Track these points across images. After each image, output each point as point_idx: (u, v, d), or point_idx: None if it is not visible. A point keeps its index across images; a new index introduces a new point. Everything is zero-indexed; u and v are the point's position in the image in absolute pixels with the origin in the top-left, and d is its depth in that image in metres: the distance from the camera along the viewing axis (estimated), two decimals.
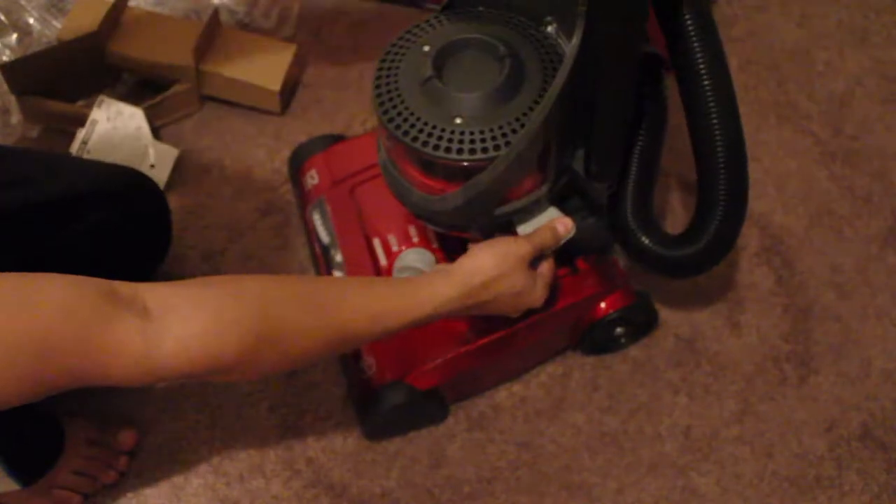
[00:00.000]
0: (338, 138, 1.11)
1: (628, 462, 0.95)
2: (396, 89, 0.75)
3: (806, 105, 1.24)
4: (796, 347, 1.03)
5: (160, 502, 0.93)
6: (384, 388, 0.89)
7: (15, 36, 1.25)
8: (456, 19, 0.80)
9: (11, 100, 1.18)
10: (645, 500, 0.93)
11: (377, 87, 0.76)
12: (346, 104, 1.25)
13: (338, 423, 0.97)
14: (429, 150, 0.72)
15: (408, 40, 0.78)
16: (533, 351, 0.98)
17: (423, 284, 0.76)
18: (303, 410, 0.98)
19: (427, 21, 0.80)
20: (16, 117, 1.19)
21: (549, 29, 0.79)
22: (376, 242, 0.96)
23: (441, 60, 0.75)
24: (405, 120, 0.74)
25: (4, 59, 1.22)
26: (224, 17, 1.31)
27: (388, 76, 0.76)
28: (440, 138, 0.72)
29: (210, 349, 0.60)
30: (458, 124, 0.73)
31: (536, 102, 0.74)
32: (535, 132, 0.71)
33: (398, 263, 0.92)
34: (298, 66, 1.26)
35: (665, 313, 1.05)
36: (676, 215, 1.13)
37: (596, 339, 0.98)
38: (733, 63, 1.35)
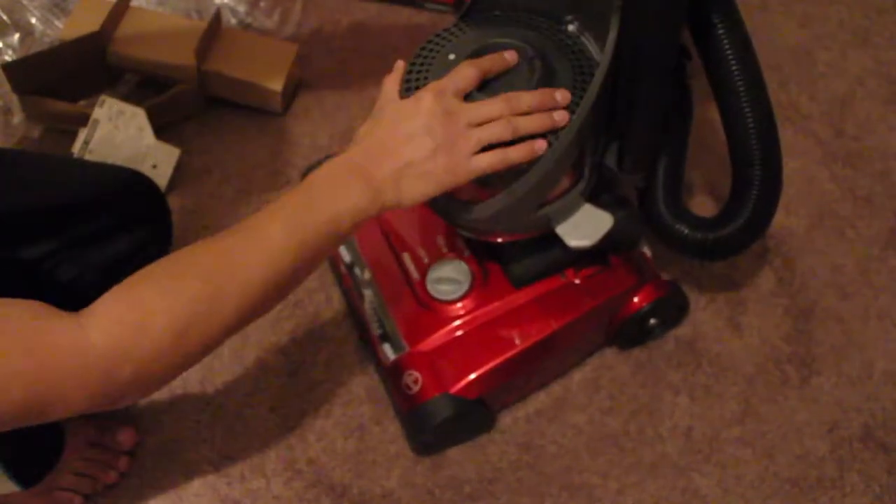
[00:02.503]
0: None
1: (629, 463, 0.95)
2: None
3: (807, 106, 1.24)
4: (797, 348, 1.03)
5: (161, 502, 0.93)
6: (431, 402, 0.88)
7: (17, 35, 1.25)
8: (476, 25, 0.78)
9: (13, 99, 1.18)
10: (646, 501, 0.93)
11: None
12: (348, 104, 1.25)
13: (339, 423, 0.97)
14: None
15: (431, 50, 0.76)
16: (572, 352, 0.99)
17: (316, 186, 0.69)
18: (304, 411, 0.98)
19: (448, 30, 0.78)
20: (18, 117, 1.19)
21: (571, 28, 0.79)
22: (406, 257, 0.95)
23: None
24: None
25: (7, 58, 1.22)
26: (226, 16, 1.31)
27: (418, 87, 0.73)
28: None
29: (135, 331, 0.60)
30: None
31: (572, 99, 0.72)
32: (579, 128, 0.70)
33: (432, 275, 0.92)
34: (300, 66, 1.26)
35: None
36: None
37: (631, 333, 0.98)
38: None
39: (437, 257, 0.93)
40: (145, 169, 1.12)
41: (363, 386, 1.00)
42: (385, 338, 0.93)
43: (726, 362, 1.02)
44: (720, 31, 0.76)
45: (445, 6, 1.38)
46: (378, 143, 0.69)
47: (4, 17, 1.26)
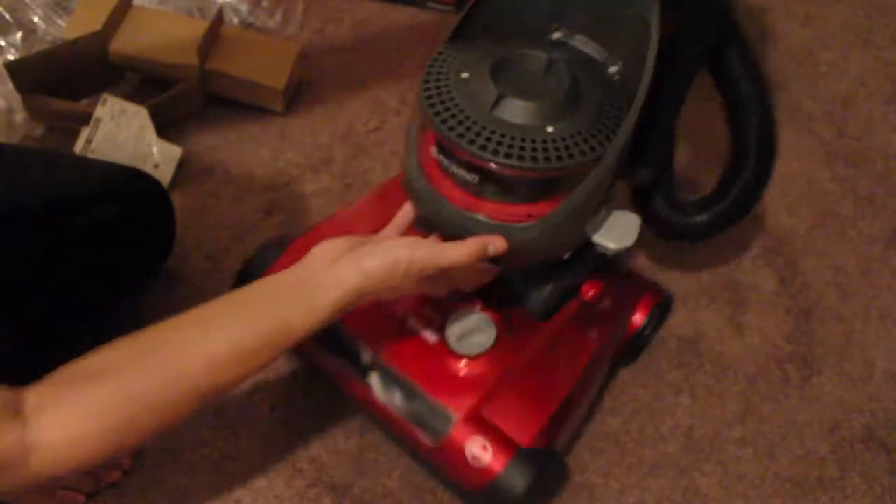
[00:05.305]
0: (282, 240, 0.91)
1: (630, 462, 0.95)
2: (468, 119, 0.69)
3: (809, 106, 1.24)
4: (799, 348, 1.03)
5: (163, 501, 0.93)
6: (513, 464, 0.76)
7: (20, 34, 1.25)
8: (471, 46, 0.75)
9: (16, 98, 1.18)
10: (647, 501, 0.93)
11: (448, 128, 0.69)
12: (349, 103, 1.25)
13: (340, 422, 0.97)
14: (528, 162, 0.67)
15: (440, 72, 0.73)
16: (597, 382, 0.93)
17: (287, 306, 0.68)
18: (305, 410, 0.98)
19: (441, 53, 0.74)
20: (20, 115, 1.19)
21: (557, 35, 0.79)
22: (413, 322, 0.83)
23: (498, 79, 0.70)
24: (500, 143, 0.67)
25: (9, 57, 1.22)
26: (228, 15, 1.31)
27: (448, 109, 0.69)
28: (536, 150, 0.67)
29: (76, 454, 0.61)
30: (552, 132, 0.68)
31: (610, 100, 0.71)
32: (630, 126, 0.69)
33: (452, 333, 0.82)
34: (302, 65, 1.26)
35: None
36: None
37: (637, 345, 0.97)
38: None
39: (446, 313, 0.83)
40: (147, 167, 1.12)
41: None
42: (419, 419, 0.79)
43: (727, 362, 1.02)
44: (738, 74, 0.84)
45: (447, 6, 1.38)
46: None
47: (7, 16, 1.26)
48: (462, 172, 0.70)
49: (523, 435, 0.77)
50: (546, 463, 0.78)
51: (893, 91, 1.25)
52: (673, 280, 1.08)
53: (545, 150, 0.67)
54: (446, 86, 0.71)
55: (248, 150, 1.20)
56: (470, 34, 0.76)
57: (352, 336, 0.81)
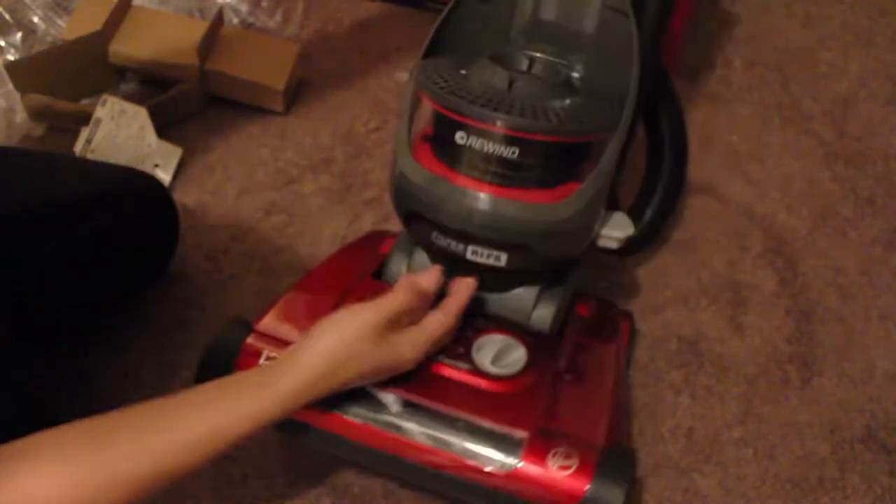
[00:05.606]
0: (244, 323, 0.79)
1: None
2: (496, 95, 0.72)
3: (810, 106, 1.24)
4: (799, 349, 1.03)
5: (163, 502, 0.93)
6: (603, 466, 0.69)
7: (20, 35, 1.25)
8: (449, 59, 0.80)
9: (16, 98, 1.18)
10: (647, 501, 0.93)
11: (481, 105, 0.71)
12: (349, 103, 1.25)
13: None
14: (567, 125, 0.72)
15: (437, 73, 0.76)
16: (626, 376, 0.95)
17: (245, 395, 0.66)
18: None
19: (423, 65, 0.78)
20: (20, 116, 1.19)
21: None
22: (440, 358, 0.77)
23: (504, 67, 0.75)
24: (534, 110, 0.71)
25: (9, 57, 1.22)
26: (228, 16, 1.31)
27: (470, 92, 0.72)
28: (565, 116, 0.72)
29: None
30: (570, 104, 0.74)
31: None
32: (633, 102, 0.76)
33: (484, 358, 0.77)
34: (302, 65, 1.26)
35: (668, 314, 1.05)
36: None
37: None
38: (737, 64, 1.35)
39: (469, 343, 0.79)
40: (147, 168, 1.12)
41: None
42: (482, 451, 0.71)
43: (728, 363, 1.02)
44: (664, 125, 0.95)
45: (447, 6, 1.38)
46: (356, 381, 0.71)
47: (7, 17, 1.26)
48: (501, 150, 0.71)
49: (597, 435, 0.73)
50: (633, 457, 0.73)
51: (894, 92, 1.25)
52: (673, 280, 1.08)
53: (572, 116, 0.72)
54: (453, 78, 0.74)
55: (248, 150, 1.20)
56: (440, 52, 0.82)
57: (369, 389, 0.74)
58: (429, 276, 0.76)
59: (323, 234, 1.11)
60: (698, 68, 1.34)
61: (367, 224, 1.12)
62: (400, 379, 0.73)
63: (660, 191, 0.97)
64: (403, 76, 0.88)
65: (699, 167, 1.20)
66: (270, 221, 1.12)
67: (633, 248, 0.97)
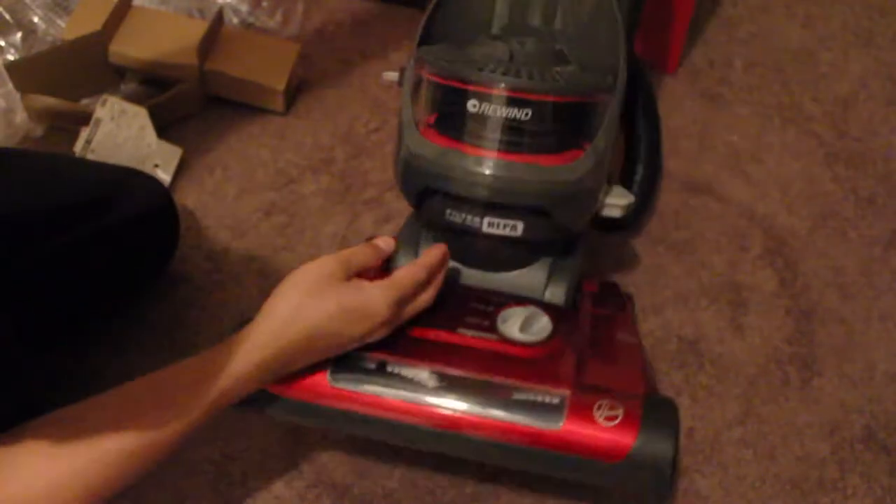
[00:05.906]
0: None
1: None
2: (502, 63, 0.77)
3: (810, 107, 1.24)
4: (799, 350, 1.03)
5: (163, 502, 0.93)
6: (649, 412, 0.70)
7: (19, 34, 1.25)
8: (443, 47, 0.84)
9: (16, 98, 1.18)
10: None
11: (490, 70, 0.75)
12: (350, 104, 1.25)
13: None
14: (574, 85, 0.78)
15: (436, 57, 0.81)
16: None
17: (210, 359, 0.69)
18: None
19: (419, 52, 0.82)
20: (20, 116, 1.19)
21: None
22: (465, 333, 0.78)
23: (502, 41, 0.82)
24: (543, 74, 0.76)
25: (9, 57, 1.22)
26: (228, 16, 1.31)
27: (477, 62, 0.77)
28: (569, 78, 0.78)
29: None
30: (572, 69, 0.80)
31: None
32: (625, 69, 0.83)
33: (511, 327, 0.78)
34: (302, 65, 1.26)
35: (668, 315, 1.04)
36: None
37: None
38: (737, 64, 1.35)
39: (493, 317, 0.79)
40: (147, 168, 1.12)
41: None
42: (528, 414, 0.71)
43: (728, 363, 1.02)
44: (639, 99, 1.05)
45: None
46: (332, 339, 0.72)
47: (7, 16, 1.26)
48: (514, 112, 0.75)
49: (636, 385, 0.74)
50: (673, 404, 0.73)
51: (894, 92, 1.25)
52: (673, 280, 1.08)
53: (575, 79, 0.78)
54: (456, 56, 0.79)
55: (248, 150, 1.20)
56: (432, 41, 0.86)
57: (402, 370, 0.74)
58: (429, 251, 0.78)
59: (323, 235, 1.11)
60: (698, 68, 1.34)
61: (366, 224, 1.12)
62: (428, 353, 0.76)
63: (643, 154, 1.07)
64: (391, 75, 0.88)
65: (699, 167, 1.20)
66: (270, 221, 1.12)
67: (632, 217, 1.08)
